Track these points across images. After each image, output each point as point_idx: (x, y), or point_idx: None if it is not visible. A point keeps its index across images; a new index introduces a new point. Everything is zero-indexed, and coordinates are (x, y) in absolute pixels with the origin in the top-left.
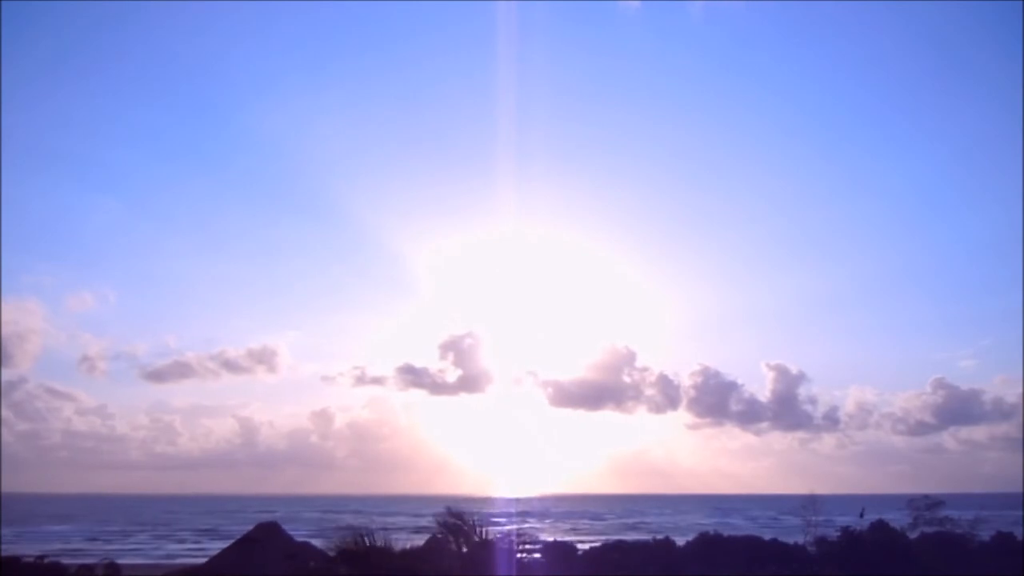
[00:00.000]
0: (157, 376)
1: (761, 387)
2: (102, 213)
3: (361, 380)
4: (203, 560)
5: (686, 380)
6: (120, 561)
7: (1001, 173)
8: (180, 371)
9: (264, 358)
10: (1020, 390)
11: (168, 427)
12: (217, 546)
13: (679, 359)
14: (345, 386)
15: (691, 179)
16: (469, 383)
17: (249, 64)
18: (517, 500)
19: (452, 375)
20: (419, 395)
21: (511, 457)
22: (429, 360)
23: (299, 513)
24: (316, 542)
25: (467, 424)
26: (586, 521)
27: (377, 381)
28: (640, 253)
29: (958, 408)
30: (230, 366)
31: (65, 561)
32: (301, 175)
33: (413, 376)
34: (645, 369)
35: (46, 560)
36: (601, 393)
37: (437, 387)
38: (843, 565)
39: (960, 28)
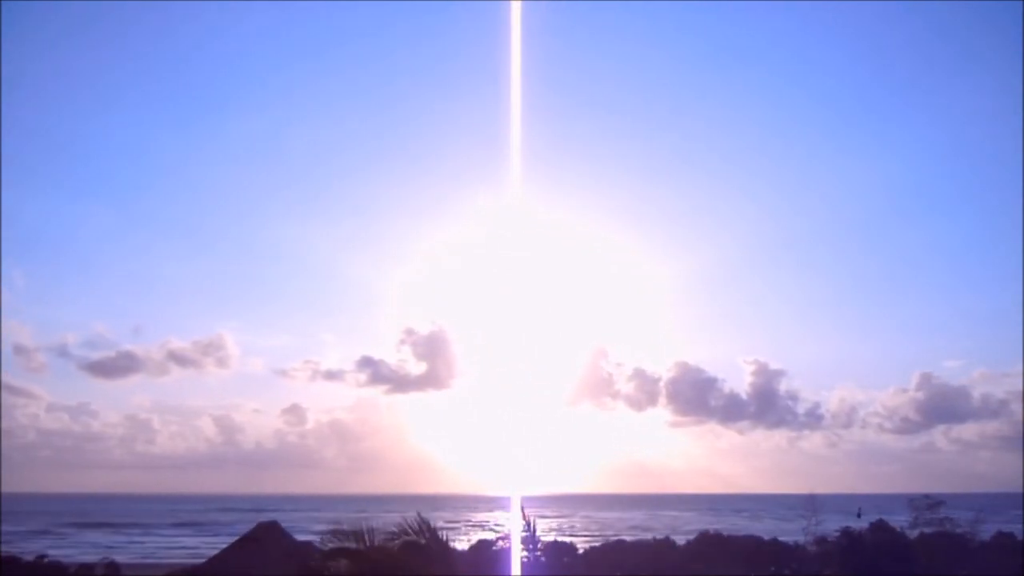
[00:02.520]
0: (101, 368)
1: (740, 384)
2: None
3: (317, 374)
4: (203, 560)
5: (664, 375)
6: (120, 560)
7: (995, 171)
8: (127, 364)
9: (211, 351)
10: (1006, 386)
11: (144, 425)
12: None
13: (653, 355)
14: (302, 380)
15: (669, 172)
16: (434, 379)
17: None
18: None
19: (415, 369)
20: (381, 390)
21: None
22: (387, 353)
23: (292, 512)
24: (313, 541)
25: (440, 421)
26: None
27: (335, 376)
28: (615, 247)
29: (944, 405)
30: (177, 358)
31: (65, 560)
32: (236, 172)
33: (373, 369)
34: (620, 364)
35: (46, 560)
36: (576, 389)
37: (400, 382)
38: (843, 565)
39: (959, 22)
